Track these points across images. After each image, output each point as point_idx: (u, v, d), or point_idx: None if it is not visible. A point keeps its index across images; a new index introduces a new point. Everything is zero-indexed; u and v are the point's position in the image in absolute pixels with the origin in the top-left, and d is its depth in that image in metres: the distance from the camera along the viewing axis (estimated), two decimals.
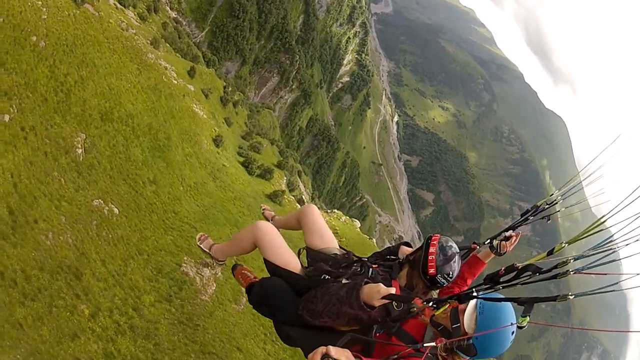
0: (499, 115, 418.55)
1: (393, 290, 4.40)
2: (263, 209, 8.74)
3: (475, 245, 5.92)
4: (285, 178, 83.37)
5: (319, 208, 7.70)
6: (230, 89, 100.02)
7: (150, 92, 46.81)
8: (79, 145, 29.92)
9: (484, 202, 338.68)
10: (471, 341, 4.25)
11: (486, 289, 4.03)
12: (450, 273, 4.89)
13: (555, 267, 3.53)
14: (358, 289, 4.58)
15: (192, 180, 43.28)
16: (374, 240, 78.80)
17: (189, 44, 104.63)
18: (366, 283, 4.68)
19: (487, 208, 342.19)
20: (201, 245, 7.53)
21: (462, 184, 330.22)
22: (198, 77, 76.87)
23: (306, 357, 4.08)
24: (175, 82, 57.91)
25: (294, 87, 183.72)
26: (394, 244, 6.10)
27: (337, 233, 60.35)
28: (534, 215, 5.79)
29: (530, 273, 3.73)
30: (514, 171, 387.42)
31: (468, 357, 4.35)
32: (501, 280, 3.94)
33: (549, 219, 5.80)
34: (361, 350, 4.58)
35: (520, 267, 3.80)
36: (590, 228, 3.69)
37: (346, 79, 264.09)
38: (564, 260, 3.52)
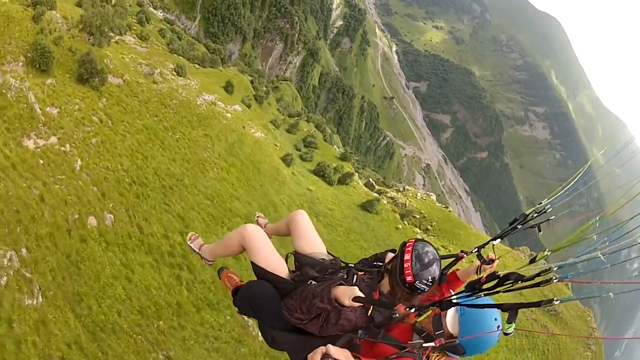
0: (494, 24, 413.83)
1: (361, 294, 4.38)
2: (257, 217, 7.96)
3: (463, 254, 5.67)
4: (356, 173, 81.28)
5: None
6: (256, 81, 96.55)
7: (233, 159, 42.80)
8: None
9: (499, 113, 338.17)
10: (457, 341, 4.25)
11: (467, 295, 4.03)
12: (430, 278, 4.50)
13: (538, 274, 3.57)
14: (331, 285, 4.63)
15: None
16: (434, 196, 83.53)
17: (191, 42, 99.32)
18: (341, 284, 4.69)
19: (504, 118, 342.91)
20: (191, 245, 7.13)
21: (474, 99, 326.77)
22: (234, 88, 71.48)
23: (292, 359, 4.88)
24: (229, 114, 53.04)
25: (300, 49, 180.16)
26: (380, 252, 5.71)
27: (424, 217, 68.82)
28: (522, 224, 5.44)
29: (512, 281, 3.76)
30: (520, 77, 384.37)
31: (457, 357, 4.37)
32: (483, 287, 3.96)
33: (540, 230, 5.42)
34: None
35: (501, 275, 3.83)
36: (574, 236, 3.84)
37: (340, 22, 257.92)
38: (547, 268, 3.57)
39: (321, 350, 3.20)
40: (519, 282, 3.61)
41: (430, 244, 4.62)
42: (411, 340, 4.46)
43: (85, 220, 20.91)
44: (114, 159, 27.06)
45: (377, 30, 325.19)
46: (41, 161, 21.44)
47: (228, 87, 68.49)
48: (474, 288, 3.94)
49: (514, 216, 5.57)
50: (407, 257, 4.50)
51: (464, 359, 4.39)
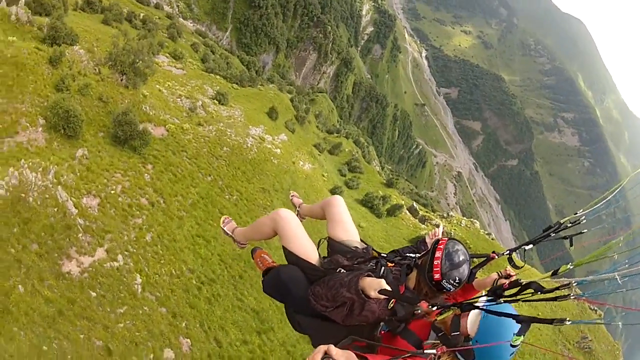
0: (521, 28, 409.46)
1: (388, 287, 4.32)
2: (292, 195, 8.20)
3: (494, 255, 5.47)
4: (404, 203, 76.82)
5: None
6: (296, 99, 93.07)
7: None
8: None
9: (529, 120, 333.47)
10: (471, 342, 4.12)
11: (489, 300, 4.09)
12: (457, 278, 4.46)
13: (558, 288, 3.59)
14: (359, 276, 4.56)
15: None
16: (477, 224, 78.69)
17: (225, 56, 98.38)
18: (369, 276, 4.63)
19: (533, 125, 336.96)
20: (224, 228, 7.06)
21: (505, 106, 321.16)
22: (278, 113, 67.75)
23: (314, 345, 4.85)
24: (278, 150, 49.42)
25: (333, 59, 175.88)
26: (414, 244, 5.93)
27: (470, 248, 61.55)
28: (555, 232, 5.05)
29: (532, 290, 3.79)
30: (549, 82, 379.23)
31: None
32: (505, 294, 4.04)
33: (571, 244, 5.05)
34: (366, 346, 4.44)
35: (524, 283, 3.86)
36: (597, 253, 3.73)
37: (370, 29, 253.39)
38: (567, 283, 3.60)
39: (322, 349, 3.16)
40: (539, 292, 3.62)
41: (462, 244, 4.60)
42: (428, 338, 4.37)
43: (162, 356, 16.51)
44: (176, 258, 21.81)
45: (406, 35, 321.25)
46: (93, 294, 15.84)
47: (272, 114, 65.09)
48: (496, 294, 4.00)
49: (542, 226, 5.76)
50: (437, 254, 4.46)
51: None
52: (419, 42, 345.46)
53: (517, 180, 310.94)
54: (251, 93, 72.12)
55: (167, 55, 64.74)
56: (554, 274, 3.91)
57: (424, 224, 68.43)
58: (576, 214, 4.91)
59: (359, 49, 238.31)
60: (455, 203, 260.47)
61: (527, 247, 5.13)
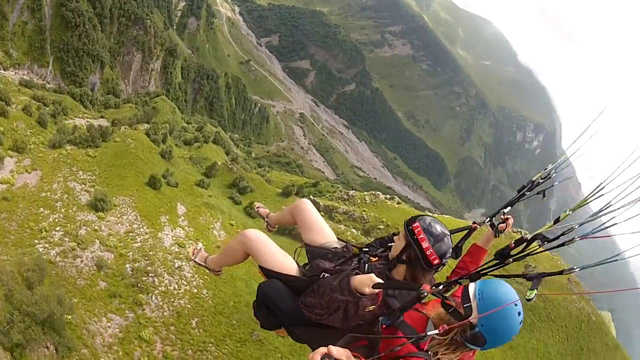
0: None
1: (380, 280, 4.33)
2: (257, 207, 8.30)
3: (476, 225, 5.71)
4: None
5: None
6: (151, 131, 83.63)
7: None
8: None
9: (356, 43, 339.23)
10: (477, 329, 4.07)
11: (497, 264, 4.08)
12: (450, 251, 4.66)
13: (563, 234, 3.72)
14: (349, 276, 4.59)
15: None
16: (381, 195, 77.86)
17: (57, 102, 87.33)
18: (357, 274, 4.66)
19: (362, 46, 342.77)
20: (196, 259, 7.08)
21: (329, 37, 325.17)
22: (157, 180, 59.02)
23: None
24: (200, 243, 45.11)
25: (159, 52, 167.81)
26: (390, 234, 5.45)
27: (388, 225, 62.66)
28: (529, 191, 5.43)
29: (539, 243, 3.89)
30: (369, 3, 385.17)
31: (478, 349, 4.30)
32: (511, 253, 4.02)
33: (544, 195, 5.47)
34: (367, 345, 4.42)
35: (529, 238, 3.90)
36: (591, 194, 3.88)
37: (182, 3, 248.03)
38: (570, 227, 3.70)
39: (322, 350, 3.25)
40: (545, 242, 3.75)
41: (429, 216, 4.74)
42: (426, 330, 4.24)
43: None
44: None
45: None
46: None
47: (154, 183, 57.69)
48: (503, 255, 3.97)
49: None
50: (425, 244, 4.53)
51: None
52: (230, 0, 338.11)
53: (359, 102, 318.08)
54: (113, 155, 64.44)
55: (10, 153, 55.47)
56: (556, 221, 3.88)
57: (333, 219, 66.51)
58: (545, 169, 5.32)
59: (175, 27, 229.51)
60: (308, 144, 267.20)
61: (505, 211, 5.33)
